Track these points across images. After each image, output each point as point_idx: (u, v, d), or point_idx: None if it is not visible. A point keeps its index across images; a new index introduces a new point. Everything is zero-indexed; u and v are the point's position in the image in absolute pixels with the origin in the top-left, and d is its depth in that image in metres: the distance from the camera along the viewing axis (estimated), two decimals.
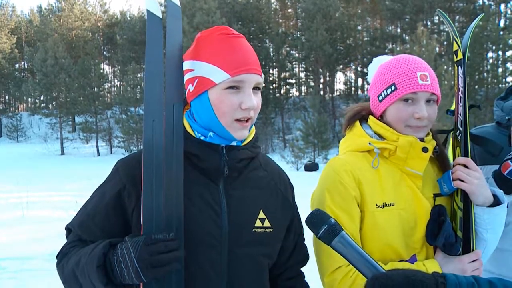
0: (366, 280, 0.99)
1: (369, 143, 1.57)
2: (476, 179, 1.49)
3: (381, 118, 1.62)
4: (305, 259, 1.53)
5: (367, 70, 1.77)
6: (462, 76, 1.62)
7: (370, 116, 1.63)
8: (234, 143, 1.32)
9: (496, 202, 1.52)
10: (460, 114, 1.61)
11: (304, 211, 1.44)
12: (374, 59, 1.74)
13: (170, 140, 1.25)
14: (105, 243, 1.17)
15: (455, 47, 1.66)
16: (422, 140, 1.56)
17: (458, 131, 1.61)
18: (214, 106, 1.27)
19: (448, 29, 1.71)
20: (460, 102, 1.61)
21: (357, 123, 1.65)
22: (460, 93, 1.61)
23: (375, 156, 1.57)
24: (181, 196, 1.23)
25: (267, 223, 1.34)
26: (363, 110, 1.67)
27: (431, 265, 1.47)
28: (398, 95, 1.53)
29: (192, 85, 1.29)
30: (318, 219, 1.13)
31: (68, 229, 1.36)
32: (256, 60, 1.31)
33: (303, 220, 1.36)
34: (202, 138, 1.30)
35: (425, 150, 1.53)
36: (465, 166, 1.52)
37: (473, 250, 1.51)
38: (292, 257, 1.48)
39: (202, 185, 1.29)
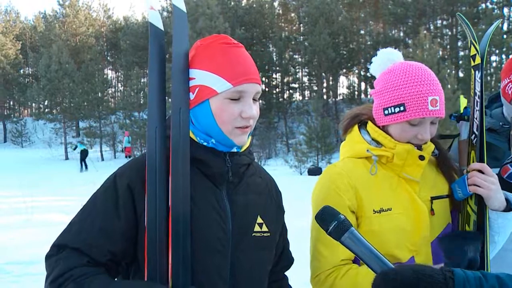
0: (376, 275, 1.00)
1: (367, 150, 1.59)
2: (492, 185, 1.50)
3: (381, 126, 1.62)
4: (290, 263, 1.56)
5: (370, 73, 1.73)
6: (479, 80, 1.64)
7: (369, 122, 1.63)
8: (234, 150, 1.34)
9: (509, 207, 1.54)
10: (476, 118, 1.62)
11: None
12: (381, 51, 1.67)
13: (177, 142, 1.26)
14: None
15: (473, 51, 1.67)
16: (419, 147, 1.57)
17: (474, 135, 1.63)
18: (216, 115, 1.29)
19: (467, 33, 1.72)
20: (477, 106, 1.62)
21: (356, 128, 1.66)
22: (476, 98, 1.63)
23: (373, 163, 1.58)
24: (188, 199, 1.24)
25: (265, 228, 1.37)
26: (361, 114, 1.67)
27: None
28: (406, 117, 1.52)
29: (193, 93, 1.31)
30: (328, 215, 1.15)
31: (60, 246, 1.25)
32: (256, 69, 1.34)
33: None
34: (204, 143, 1.31)
35: (421, 158, 1.55)
36: (480, 171, 1.53)
37: (487, 253, 1.52)
38: (280, 261, 1.51)
39: (207, 190, 1.30)
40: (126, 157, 26.05)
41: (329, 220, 1.13)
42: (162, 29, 1.35)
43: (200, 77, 1.30)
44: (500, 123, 1.92)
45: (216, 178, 1.31)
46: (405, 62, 1.61)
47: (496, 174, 1.77)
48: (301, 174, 21.63)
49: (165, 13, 36.49)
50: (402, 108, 1.52)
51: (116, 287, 1.17)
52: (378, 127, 1.61)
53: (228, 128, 1.29)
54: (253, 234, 1.34)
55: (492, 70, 29.67)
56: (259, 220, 1.37)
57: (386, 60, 1.63)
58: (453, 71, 24.21)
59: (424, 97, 1.49)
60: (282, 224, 1.50)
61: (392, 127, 1.57)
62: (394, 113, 1.54)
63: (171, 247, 1.20)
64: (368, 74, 33.73)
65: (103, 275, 1.21)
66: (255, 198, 1.39)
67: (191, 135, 1.31)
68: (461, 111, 1.74)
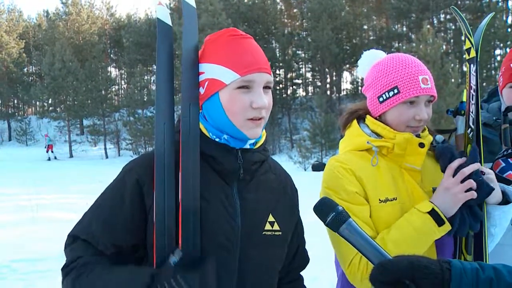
0: (373, 266, 1.01)
1: (367, 141, 1.61)
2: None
3: (379, 117, 1.65)
4: (306, 263, 1.55)
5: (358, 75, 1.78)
6: (474, 74, 1.63)
7: (368, 116, 1.66)
8: (247, 146, 1.33)
9: (506, 199, 1.55)
10: (472, 112, 1.62)
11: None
12: (365, 53, 1.74)
13: (186, 138, 1.26)
14: (145, 281, 1.13)
15: (468, 45, 1.66)
16: (418, 136, 1.60)
17: (470, 129, 1.62)
18: (225, 107, 1.28)
19: (461, 26, 1.71)
20: (472, 100, 1.62)
21: (355, 122, 1.69)
22: (472, 91, 1.63)
23: (374, 154, 1.61)
24: (197, 194, 1.23)
25: (276, 227, 1.36)
26: (359, 109, 1.71)
27: (422, 205, 1.50)
28: (401, 98, 1.56)
29: (203, 88, 1.30)
30: (326, 207, 1.14)
31: (74, 237, 1.29)
32: (265, 59, 1.33)
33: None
34: (217, 139, 1.31)
35: (421, 145, 1.57)
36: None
37: (485, 246, 1.53)
38: (295, 260, 1.50)
39: (217, 186, 1.30)
40: (47, 152, 30.97)
41: (327, 212, 1.13)
42: (171, 24, 1.35)
43: (208, 70, 1.30)
44: (494, 118, 1.92)
45: (227, 175, 1.30)
46: (389, 54, 1.68)
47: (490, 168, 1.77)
48: (305, 170, 21.63)
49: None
50: (396, 91, 1.57)
51: (115, 271, 1.19)
52: (376, 119, 1.64)
53: (239, 120, 1.28)
54: (263, 233, 1.33)
55: (496, 64, 29.54)
56: (271, 218, 1.35)
57: (372, 59, 1.70)
58: (457, 66, 24.09)
59: (415, 77, 1.55)
60: (297, 222, 1.48)
61: (389, 113, 1.60)
62: (389, 97, 1.58)
63: (181, 242, 1.20)
64: None
65: (104, 263, 1.22)
66: (267, 196, 1.37)
67: (204, 130, 1.31)
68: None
